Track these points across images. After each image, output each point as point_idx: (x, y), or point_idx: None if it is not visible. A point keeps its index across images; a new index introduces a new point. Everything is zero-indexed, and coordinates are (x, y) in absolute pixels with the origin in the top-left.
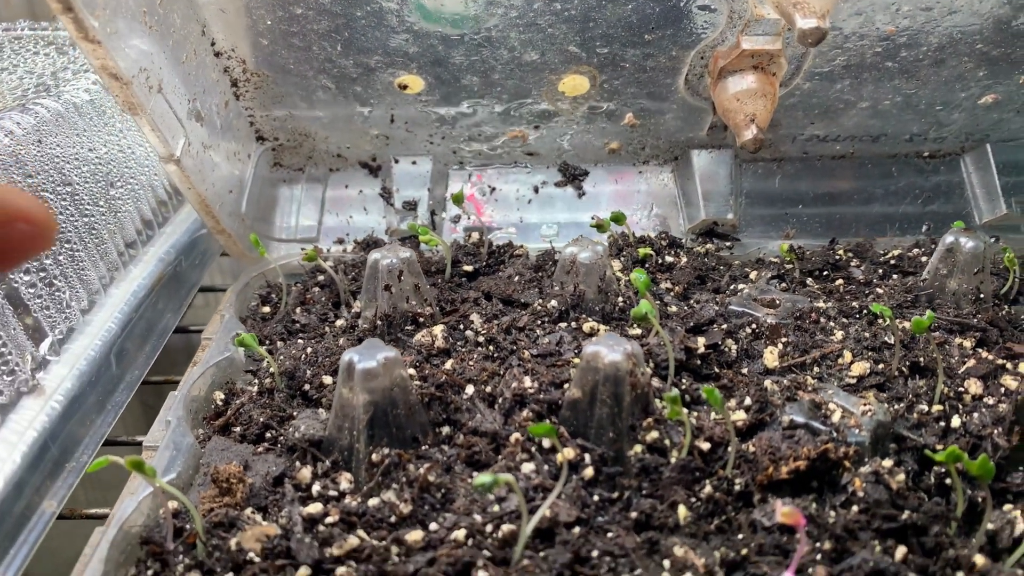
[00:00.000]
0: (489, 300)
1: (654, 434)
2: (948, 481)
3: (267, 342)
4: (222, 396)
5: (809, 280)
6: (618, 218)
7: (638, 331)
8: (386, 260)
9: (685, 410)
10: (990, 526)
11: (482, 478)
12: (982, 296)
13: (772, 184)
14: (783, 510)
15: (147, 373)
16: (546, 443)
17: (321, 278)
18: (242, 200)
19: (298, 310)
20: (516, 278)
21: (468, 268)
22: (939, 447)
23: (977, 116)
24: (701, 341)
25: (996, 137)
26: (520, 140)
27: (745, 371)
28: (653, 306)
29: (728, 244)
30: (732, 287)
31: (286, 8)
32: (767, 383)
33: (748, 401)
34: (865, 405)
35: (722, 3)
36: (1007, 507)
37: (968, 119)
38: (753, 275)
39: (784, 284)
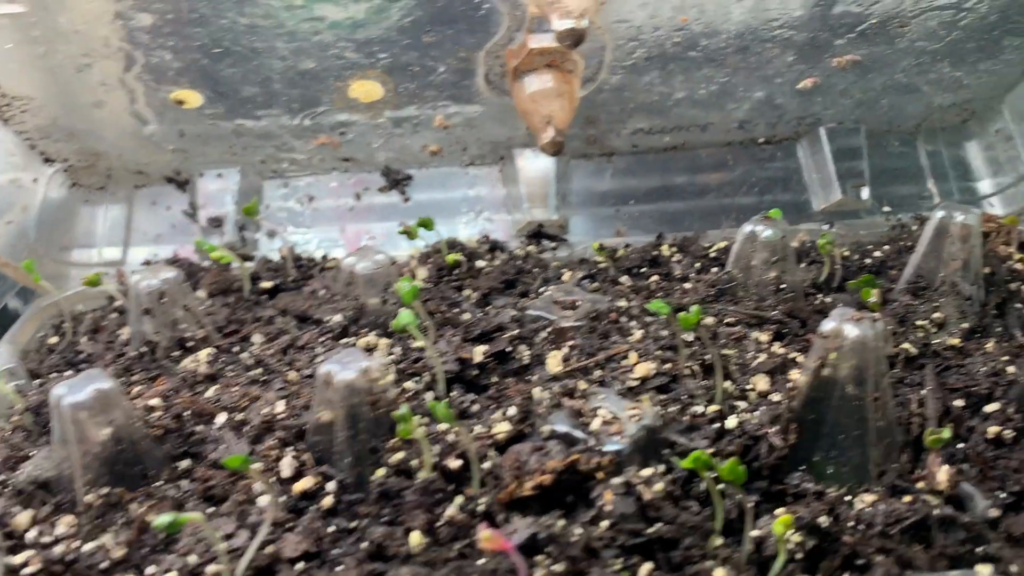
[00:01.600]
0: (284, 317)
1: (400, 455)
2: (722, 487)
3: (46, 375)
4: None
5: (624, 278)
6: (426, 224)
7: (422, 343)
8: (144, 282)
9: (448, 425)
10: (756, 533)
11: (161, 519)
12: (783, 287)
13: (603, 180)
14: (484, 534)
15: None
16: (286, 472)
17: (118, 304)
18: (29, 228)
19: (83, 339)
20: (321, 292)
21: (267, 285)
22: (710, 450)
23: (802, 101)
24: (481, 350)
25: (829, 120)
26: (330, 147)
27: (535, 378)
28: (422, 314)
29: (553, 246)
30: (542, 290)
31: (24, 31)
32: (535, 391)
33: (512, 411)
34: (634, 409)
35: (499, 2)
36: (780, 511)
37: (793, 104)
38: (566, 276)
39: (596, 284)
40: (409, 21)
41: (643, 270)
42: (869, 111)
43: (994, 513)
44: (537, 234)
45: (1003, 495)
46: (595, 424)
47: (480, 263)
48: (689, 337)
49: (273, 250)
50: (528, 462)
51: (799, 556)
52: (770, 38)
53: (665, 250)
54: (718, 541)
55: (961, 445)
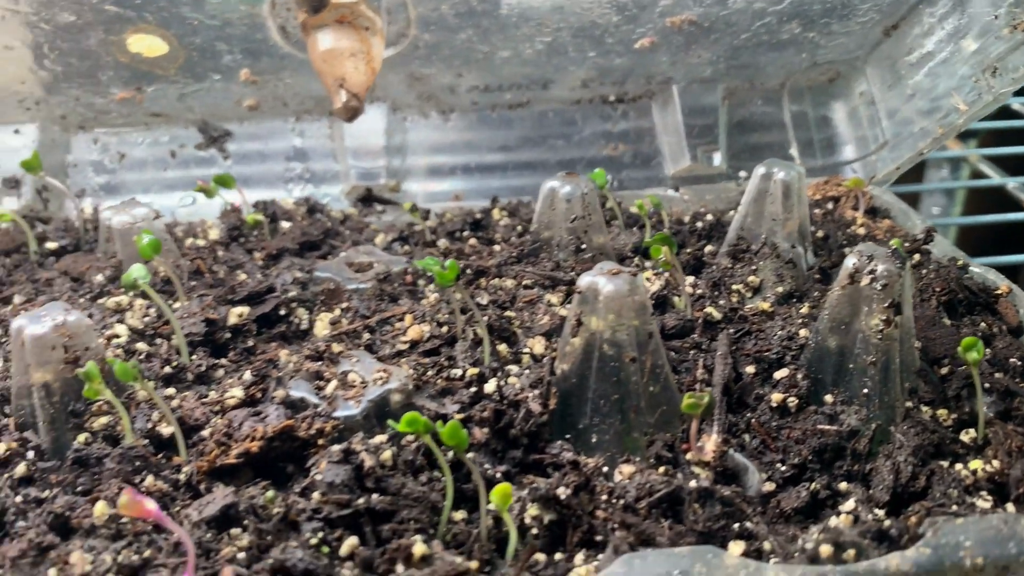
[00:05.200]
0: (63, 279)
1: (104, 419)
2: (472, 456)
3: None
4: None
5: (442, 241)
6: (224, 180)
7: (178, 305)
8: None
9: (152, 392)
10: (492, 506)
11: None
12: (584, 247)
13: (444, 140)
14: (122, 500)
15: None
16: None
17: None
18: None
19: None
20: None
21: (53, 246)
22: (459, 416)
23: (644, 59)
24: (239, 312)
25: (682, 78)
26: (135, 101)
27: (303, 344)
28: (171, 273)
29: (382, 209)
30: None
31: None
32: (282, 354)
33: (248, 376)
34: (380, 373)
35: None
36: (540, 482)
37: (635, 63)
38: (379, 239)
39: (407, 247)
40: None
41: (464, 233)
42: (727, 69)
43: (769, 487)
44: (367, 198)
45: (783, 468)
46: (330, 388)
47: (286, 224)
48: (471, 305)
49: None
50: (241, 428)
51: (535, 531)
52: None
53: (496, 214)
54: (459, 515)
55: (749, 414)
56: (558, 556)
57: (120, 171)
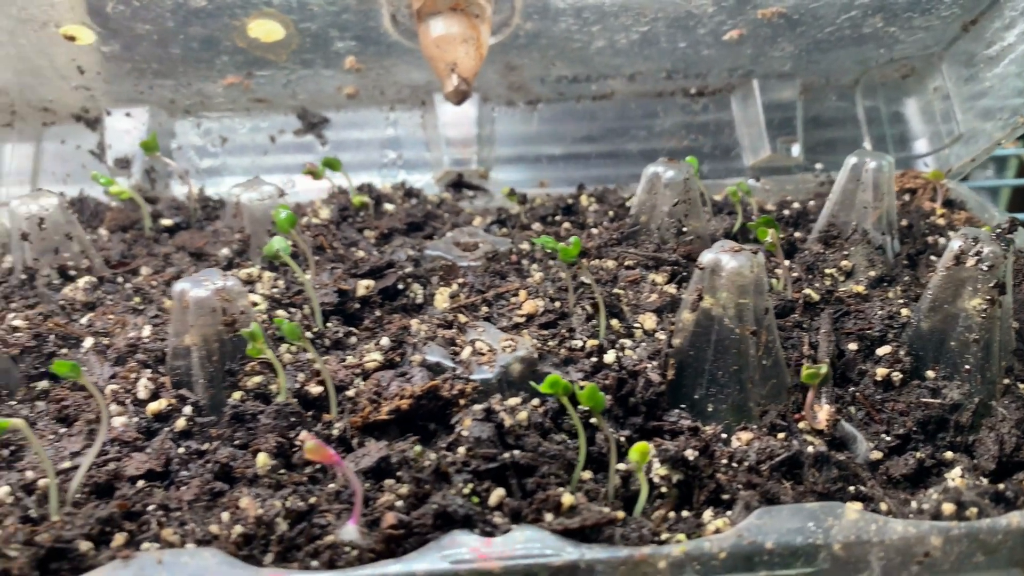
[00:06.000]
0: (180, 254)
1: (258, 379)
2: (593, 420)
3: None
4: None
5: (536, 224)
6: (332, 164)
7: (308, 276)
8: (23, 208)
9: (313, 352)
10: (622, 466)
11: None
12: (685, 230)
13: (530, 128)
14: (308, 445)
15: None
16: (142, 394)
17: None
18: None
19: None
20: (223, 231)
21: (168, 223)
22: (583, 384)
23: (729, 52)
24: (365, 284)
25: (762, 72)
26: (241, 87)
27: (425, 315)
28: (303, 245)
29: (471, 194)
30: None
31: None
32: (413, 323)
33: (385, 342)
34: (509, 341)
35: None
36: (668, 444)
37: (720, 55)
38: (477, 221)
39: (505, 229)
40: None
41: (557, 217)
42: (805, 64)
43: (876, 455)
44: (458, 183)
45: (888, 438)
46: (465, 354)
47: (389, 207)
48: (589, 280)
49: (184, 191)
50: (388, 387)
51: (664, 489)
52: None
53: (584, 200)
54: (586, 475)
55: (852, 388)
56: (685, 513)
57: (221, 155)
